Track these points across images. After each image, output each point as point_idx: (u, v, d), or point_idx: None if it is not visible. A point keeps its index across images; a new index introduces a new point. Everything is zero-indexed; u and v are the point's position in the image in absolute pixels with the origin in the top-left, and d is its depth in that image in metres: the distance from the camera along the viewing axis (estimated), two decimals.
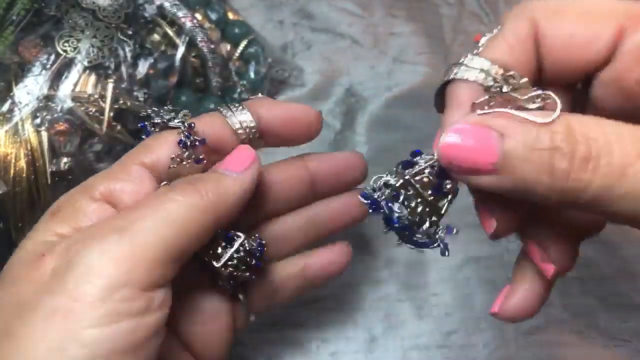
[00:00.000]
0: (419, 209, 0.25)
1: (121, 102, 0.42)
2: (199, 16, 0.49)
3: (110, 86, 0.42)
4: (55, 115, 0.40)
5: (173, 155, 0.28)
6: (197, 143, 0.29)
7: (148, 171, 0.28)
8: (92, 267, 0.23)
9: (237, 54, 0.51)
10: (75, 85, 0.41)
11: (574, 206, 0.21)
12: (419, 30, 0.59)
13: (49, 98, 0.40)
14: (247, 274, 0.31)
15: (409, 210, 0.25)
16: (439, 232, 0.26)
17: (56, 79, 0.41)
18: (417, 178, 0.25)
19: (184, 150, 0.28)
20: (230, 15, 0.52)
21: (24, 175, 0.38)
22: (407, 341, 0.44)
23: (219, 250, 0.30)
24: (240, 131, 0.30)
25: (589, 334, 0.45)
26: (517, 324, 0.45)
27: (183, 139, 0.28)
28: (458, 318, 0.45)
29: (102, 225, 0.25)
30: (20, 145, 0.38)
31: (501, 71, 0.24)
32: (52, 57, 0.41)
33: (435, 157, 0.25)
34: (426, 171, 0.25)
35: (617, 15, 0.23)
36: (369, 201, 0.27)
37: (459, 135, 0.23)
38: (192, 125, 0.29)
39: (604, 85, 0.24)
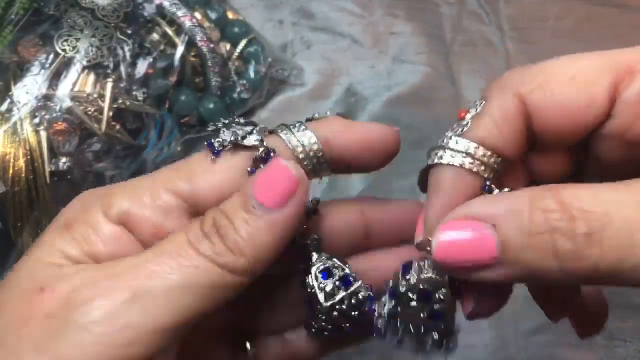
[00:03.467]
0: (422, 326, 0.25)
1: (120, 101, 0.42)
2: (198, 15, 0.49)
3: (109, 86, 0.42)
4: (54, 115, 0.40)
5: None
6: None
7: (181, 202, 0.24)
8: (89, 330, 0.20)
9: (237, 54, 0.51)
10: (75, 84, 0.41)
11: (590, 283, 0.21)
12: (419, 29, 0.58)
13: (48, 98, 0.40)
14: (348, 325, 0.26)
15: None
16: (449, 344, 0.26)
17: (55, 78, 0.40)
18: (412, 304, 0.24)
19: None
20: (230, 15, 0.52)
21: (23, 175, 0.38)
22: None
23: (330, 285, 0.26)
24: (301, 155, 0.25)
25: None
26: (518, 325, 0.45)
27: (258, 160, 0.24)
28: (458, 319, 0.45)
29: (114, 275, 0.22)
30: (19, 145, 0.38)
31: (488, 153, 0.23)
32: (51, 56, 0.41)
33: (420, 280, 0.24)
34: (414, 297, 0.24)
35: (606, 73, 0.23)
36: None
37: (451, 235, 0.21)
38: (273, 150, 0.24)
39: (607, 140, 0.23)
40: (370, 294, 0.26)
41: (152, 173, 0.25)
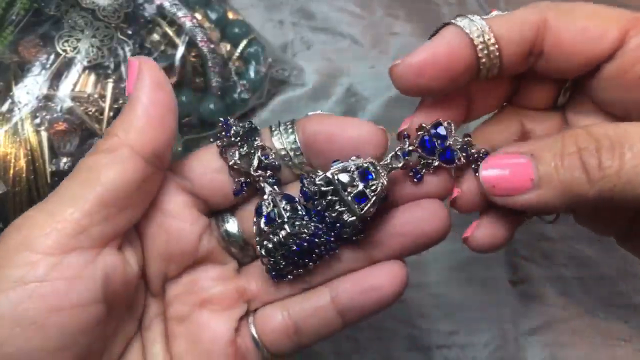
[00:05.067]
0: (336, 207, 0.26)
1: (121, 101, 0.42)
2: (198, 16, 0.49)
3: (109, 86, 0.42)
4: (55, 115, 0.40)
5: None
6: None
7: (186, 192, 0.28)
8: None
9: (237, 54, 0.51)
10: (75, 85, 0.41)
11: (612, 198, 0.23)
12: (419, 29, 0.59)
13: (48, 98, 0.40)
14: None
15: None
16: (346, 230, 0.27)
17: (56, 78, 0.41)
18: (342, 178, 0.26)
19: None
20: (230, 15, 0.52)
21: (24, 175, 0.38)
22: (408, 341, 0.44)
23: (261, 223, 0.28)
24: (282, 152, 0.28)
25: (589, 334, 0.45)
26: (518, 324, 0.45)
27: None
28: (458, 318, 0.45)
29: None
30: (20, 145, 0.38)
31: (493, 41, 0.26)
32: (52, 56, 0.41)
33: (363, 161, 0.26)
34: (352, 169, 0.26)
35: (621, 19, 0.26)
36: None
37: (494, 169, 0.26)
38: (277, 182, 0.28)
39: (607, 79, 0.27)
40: (313, 229, 0.27)
41: None
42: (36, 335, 0.22)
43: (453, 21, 0.27)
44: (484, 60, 0.26)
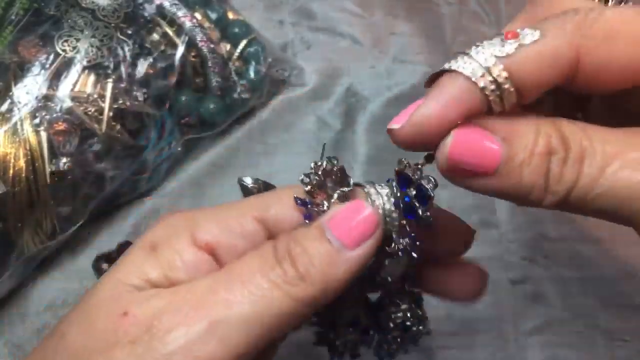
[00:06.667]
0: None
1: (120, 101, 0.42)
2: (198, 16, 0.49)
3: (109, 86, 0.42)
4: (55, 115, 0.40)
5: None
6: None
7: (262, 228, 0.25)
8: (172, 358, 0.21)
9: (237, 54, 0.51)
10: (75, 85, 0.41)
11: (561, 206, 0.22)
12: (419, 30, 0.59)
13: (48, 98, 0.40)
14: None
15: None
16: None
17: (55, 78, 0.40)
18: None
19: None
20: (230, 15, 0.52)
21: (23, 175, 0.38)
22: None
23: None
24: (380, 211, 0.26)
25: (589, 334, 0.45)
26: (518, 324, 0.45)
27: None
28: (458, 318, 0.45)
29: (191, 302, 0.23)
30: (20, 145, 0.38)
31: (504, 74, 0.21)
32: (51, 56, 0.41)
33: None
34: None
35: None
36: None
37: (462, 139, 0.22)
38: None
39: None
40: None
41: (238, 200, 0.26)
42: None
43: (449, 67, 0.23)
44: (496, 104, 0.22)
